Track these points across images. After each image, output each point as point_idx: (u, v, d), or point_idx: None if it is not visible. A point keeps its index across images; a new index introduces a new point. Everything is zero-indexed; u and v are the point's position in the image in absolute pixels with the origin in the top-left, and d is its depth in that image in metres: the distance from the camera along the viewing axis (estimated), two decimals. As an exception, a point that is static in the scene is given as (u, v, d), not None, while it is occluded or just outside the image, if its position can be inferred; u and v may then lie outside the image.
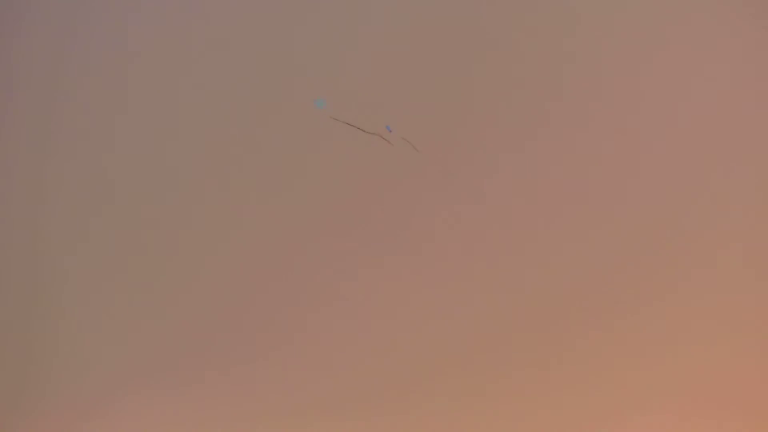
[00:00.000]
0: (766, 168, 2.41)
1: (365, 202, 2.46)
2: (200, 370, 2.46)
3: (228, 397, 2.46)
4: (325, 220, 2.47)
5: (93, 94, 2.52)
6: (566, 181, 2.43)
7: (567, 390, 2.40)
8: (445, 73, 2.46)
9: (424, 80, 2.47)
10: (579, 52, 2.44)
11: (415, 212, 2.45)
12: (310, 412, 2.43)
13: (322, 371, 2.44)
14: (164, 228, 2.49)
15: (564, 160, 2.44)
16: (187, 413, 2.45)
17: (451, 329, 2.43)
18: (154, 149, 2.50)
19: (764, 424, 2.35)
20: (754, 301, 2.39)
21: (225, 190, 2.49)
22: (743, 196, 2.41)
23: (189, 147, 2.50)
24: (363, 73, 2.48)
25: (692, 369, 2.38)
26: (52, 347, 2.49)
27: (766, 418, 2.35)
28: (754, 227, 2.40)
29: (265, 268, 2.47)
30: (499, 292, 2.43)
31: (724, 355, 2.38)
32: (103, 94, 2.51)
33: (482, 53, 2.45)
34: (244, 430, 2.44)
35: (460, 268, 2.43)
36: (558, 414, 2.40)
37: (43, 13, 2.54)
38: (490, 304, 2.42)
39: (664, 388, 2.39)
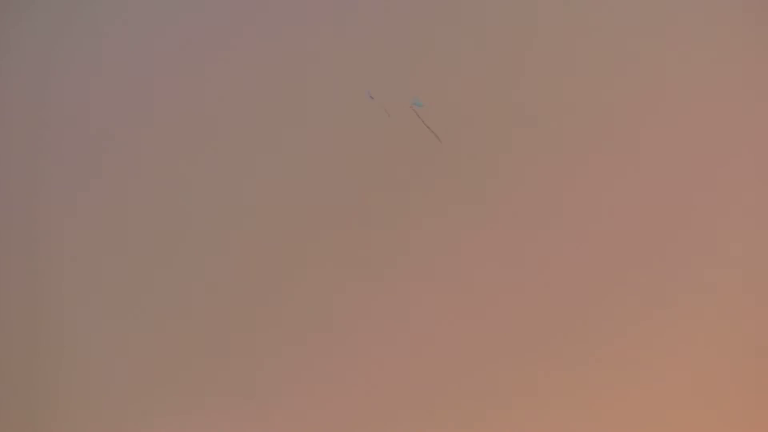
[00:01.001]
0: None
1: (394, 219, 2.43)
2: (211, 396, 2.47)
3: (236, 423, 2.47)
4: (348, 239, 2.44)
5: (111, 97, 2.49)
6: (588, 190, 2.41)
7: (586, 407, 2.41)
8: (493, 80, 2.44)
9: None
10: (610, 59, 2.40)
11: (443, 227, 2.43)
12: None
13: (342, 395, 2.44)
14: (179, 250, 2.48)
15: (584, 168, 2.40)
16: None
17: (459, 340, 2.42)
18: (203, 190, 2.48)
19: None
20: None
21: (249, 209, 2.46)
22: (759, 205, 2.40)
23: (216, 172, 2.48)
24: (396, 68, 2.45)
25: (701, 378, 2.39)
26: (62, 377, 2.50)
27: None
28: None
29: (285, 289, 2.45)
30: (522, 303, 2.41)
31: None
32: (124, 98, 2.49)
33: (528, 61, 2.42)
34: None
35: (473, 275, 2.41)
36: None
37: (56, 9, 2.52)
38: (512, 312, 2.40)
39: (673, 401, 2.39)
